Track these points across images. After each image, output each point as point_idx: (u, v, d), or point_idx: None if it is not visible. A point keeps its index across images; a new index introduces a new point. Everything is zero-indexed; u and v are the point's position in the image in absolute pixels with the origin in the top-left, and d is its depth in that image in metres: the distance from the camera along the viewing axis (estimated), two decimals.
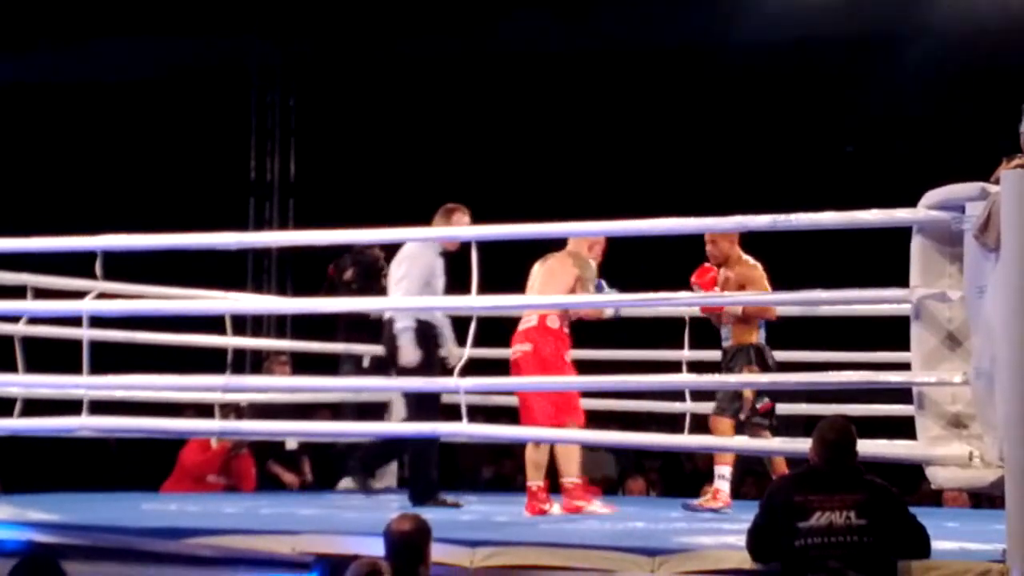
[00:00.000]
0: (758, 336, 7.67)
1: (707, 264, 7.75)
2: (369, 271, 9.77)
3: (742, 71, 13.32)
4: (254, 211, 14.33)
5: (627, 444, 8.51)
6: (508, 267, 8.42)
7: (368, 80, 14.52)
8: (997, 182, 5.66)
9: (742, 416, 7.53)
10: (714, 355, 8.46)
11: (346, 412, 9.56)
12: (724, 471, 7.66)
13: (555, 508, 7.68)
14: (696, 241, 7.72)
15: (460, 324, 7.68)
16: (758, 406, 7.55)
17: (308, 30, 14.44)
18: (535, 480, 7.69)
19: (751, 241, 7.20)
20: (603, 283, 7.74)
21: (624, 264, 8.24)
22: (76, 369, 7.29)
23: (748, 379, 7.47)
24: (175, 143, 14.67)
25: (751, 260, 7.73)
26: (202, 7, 14.08)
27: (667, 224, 6.57)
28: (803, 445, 5.70)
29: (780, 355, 8.30)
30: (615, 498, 10.76)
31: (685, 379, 7.77)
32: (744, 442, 7.40)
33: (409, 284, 8.03)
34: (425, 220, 7.93)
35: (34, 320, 8.11)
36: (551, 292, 7.66)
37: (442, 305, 8.01)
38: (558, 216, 6.98)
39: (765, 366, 7.58)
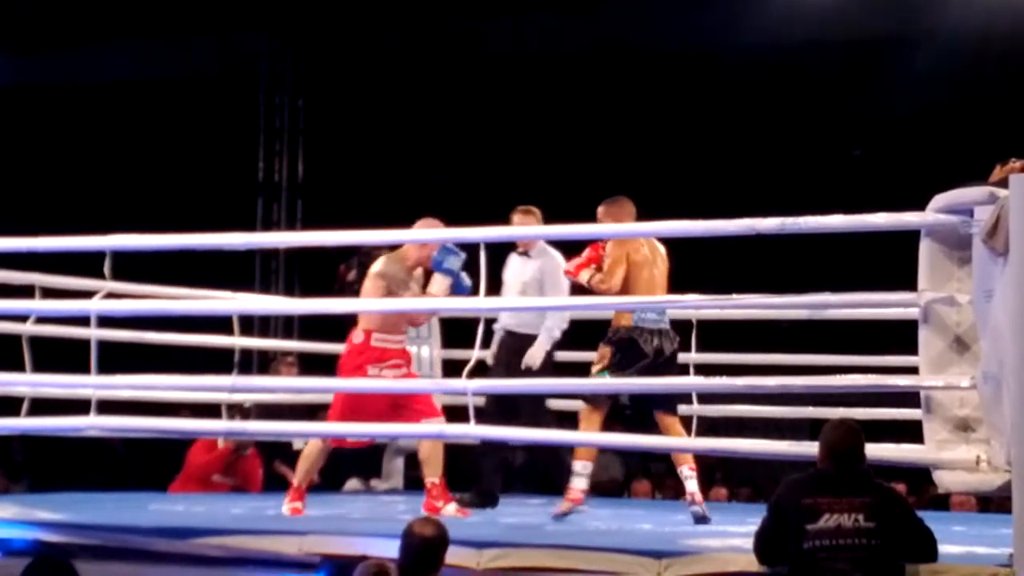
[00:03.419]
0: (630, 318, 7.39)
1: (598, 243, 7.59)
2: None
3: (749, 74, 13.33)
4: (262, 212, 14.35)
5: (632, 446, 8.50)
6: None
7: (376, 81, 14.54)
8: (996, 185, 5.67)
9: (594, 370, 7.36)
10: (723, 358, 8.46)
11: None
12: (578, 466, 7.49)
13: (450, 507, 7.64)
14: (703, 244, 7.70)
15: (467, 326, 7.68)
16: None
17: (317, 31, 14.46)
18: (432, 477, 7.70)
19: (759, 244, 7.17)
20: (462, 276, 7.63)
21: None
22: (84, 369, 7.29)
23: (756, 382, 7.31)
24: (184, 143, 14.71)
25: (636, 241, 7.48)
26: (211, 9, 14.11)
27: (674, 226, 6.58)
28: (810, 448, 5.70)
29: (787, 358, 8.27)
30: (621, 500, 10.78)
31: (692, 381, 7.75)
32: (748, 444, 7.32)
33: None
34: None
35: (42, 320, 8.11)
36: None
37: (450, 306, 8.00)
38: (566, 218, 6.99)
39: (623, 350, 7.36)
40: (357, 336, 7.72)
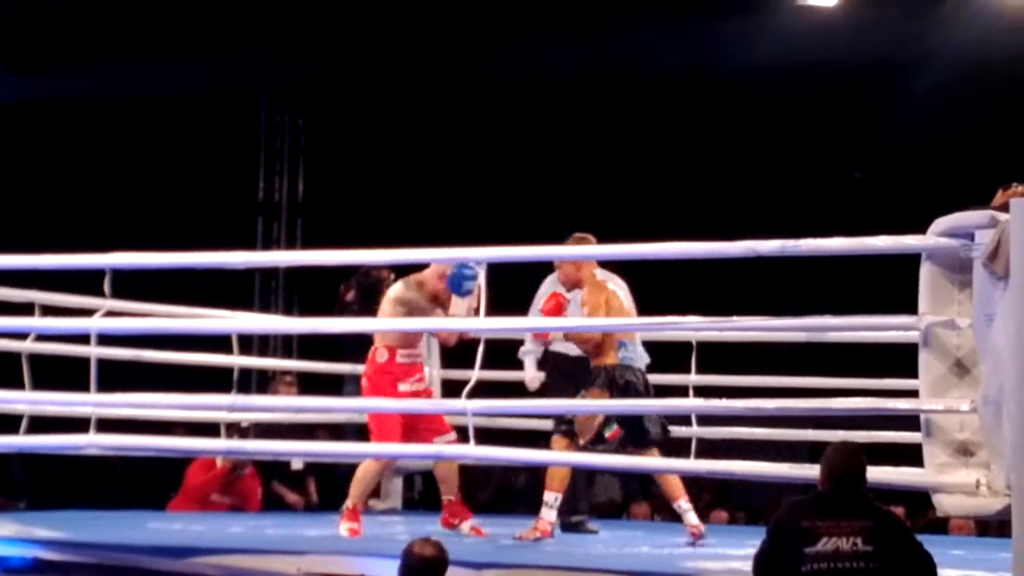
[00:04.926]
0: (615, 357, 7.37)
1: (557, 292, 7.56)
2: (369, 292, 9.74)
3: (751, 96, 13.35)
4: (262, 231, 14.35)
5: (632, 468, 8.48)
6: (516, 289, 8.44)
7: (377, 101, 14.56)
8: (997, 209, 5.68)
9: (582, 441, 7.24)
10: (722, 380, 8.45)
11: (348, 433, 9.55)
12: (549, 498, 7.36)
13: (466, 525, 7.70)
14: (703, 266, 7.71)
15: (466, 346, 7.67)
16: (606, 434, 7.21)
17: (317, 51, 14.48)
18: (448, 494, 7.76)
19: (759, 266, 7.17)
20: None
21: (632, 288, 8.24)
22: (83, 387, 7.29)
23: (755, 405, 7.31)
24: (184, 162, 14.72)
25: (602, 282, 7.49)
26: (213, 28, 14.13)
27: (675, 248, 6.57)
28: (810, 471, 5.69)
29: (787, 381, 8.27)
30: (619, 522, 10.76)
31: (692, 403, 7.75)
32: (747, 466, 7.31)
33: None
34: (432, 241, 7.90)
35: (42, 337, 8.11)
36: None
37: (444, 327, 7.97)
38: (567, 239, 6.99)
39: (616, 389, 7.29)
40: (380, 355, 7.69)
